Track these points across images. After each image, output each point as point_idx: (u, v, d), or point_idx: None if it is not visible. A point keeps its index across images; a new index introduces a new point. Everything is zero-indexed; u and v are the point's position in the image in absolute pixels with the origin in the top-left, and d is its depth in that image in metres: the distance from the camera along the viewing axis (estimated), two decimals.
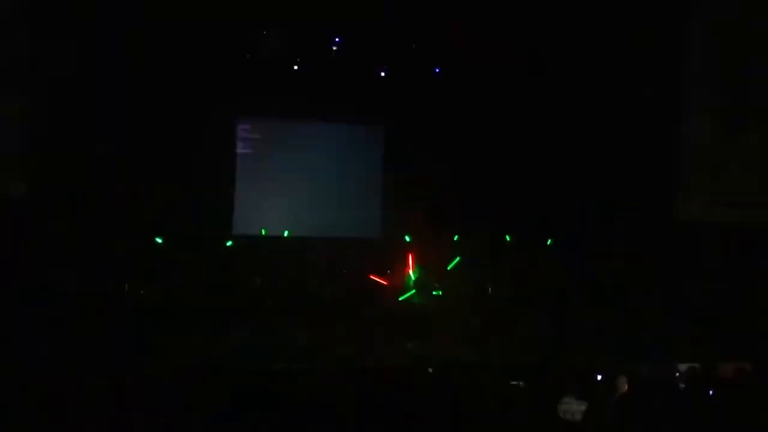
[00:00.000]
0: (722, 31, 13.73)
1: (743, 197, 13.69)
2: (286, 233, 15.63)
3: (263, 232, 15.55)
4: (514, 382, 7.59)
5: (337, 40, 14.93)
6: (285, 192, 15.94)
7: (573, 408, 6.69)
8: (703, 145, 13.75)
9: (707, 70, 13.83)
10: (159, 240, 14.12)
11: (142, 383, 7.92)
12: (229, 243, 15.30)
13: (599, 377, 8.80)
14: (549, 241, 14.57)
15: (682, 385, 8.27)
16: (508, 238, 15.16)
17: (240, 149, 15.76)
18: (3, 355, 9.60)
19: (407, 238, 15.06)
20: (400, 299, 13.90)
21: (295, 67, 15.14)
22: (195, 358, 10.92)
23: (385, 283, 13.80)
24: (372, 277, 13.80)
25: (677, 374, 9.00)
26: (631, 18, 13.99)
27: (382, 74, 15.48)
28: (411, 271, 13.84)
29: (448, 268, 15.18)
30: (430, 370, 10.45)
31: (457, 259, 15.21)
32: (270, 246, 15.57)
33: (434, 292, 13.46)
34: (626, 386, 7.71)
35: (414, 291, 13.62)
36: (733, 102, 13.39)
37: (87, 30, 13.13)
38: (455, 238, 15.14)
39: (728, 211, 13.59)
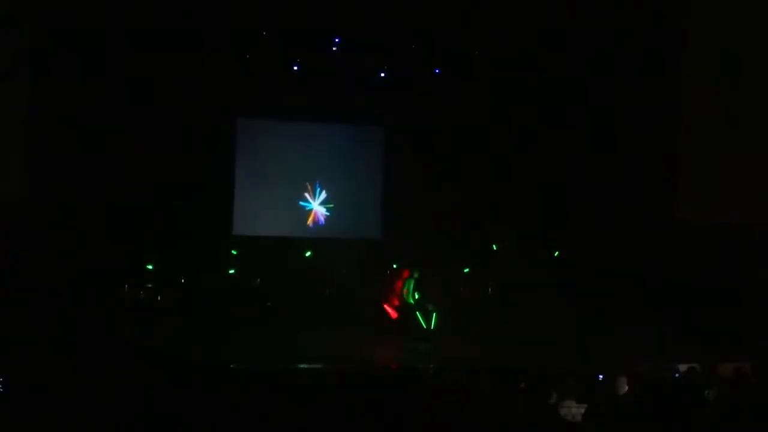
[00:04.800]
0: (722, 31, 13.73)
1: (743, 198, 13.69)
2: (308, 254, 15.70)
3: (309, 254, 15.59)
4: (515, 383, 7.59)
5: (337, 40, 14.92)
6: (285, 192, 15.95)
7: (573, 410, 6.69)
8: (704, 145, 13.75)
9: (706, 70, 13.83)
10: (160, 241, 14.14)
11: (142, 383, 7.92)
12: (232, 250, 15.34)
13: (599, 377, 8.81)
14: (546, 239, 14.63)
15: (682, 385, 8.27)
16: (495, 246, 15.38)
17: (240, 149, 15.75)
18: (3, 354, 9.60)
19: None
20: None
21: (295, 68, 15.15)
22: (195, 357, 10.91)
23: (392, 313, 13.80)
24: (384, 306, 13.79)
25: (677, 374, 9.00)
26: (630, 18, 14.00)
27: (382, 74, 15.48)
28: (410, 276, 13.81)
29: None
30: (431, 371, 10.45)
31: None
32: (270, 246, 15.58)
33: (431, 308, 13.46)
34: (626, 386, 7.71)
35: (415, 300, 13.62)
36: (733, 103, 13.38)
37: (88, 29, 13.15)
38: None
39: (728, 211, 13.58)
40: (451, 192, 15.40)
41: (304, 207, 15.96)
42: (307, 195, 15.99)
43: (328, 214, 16.04)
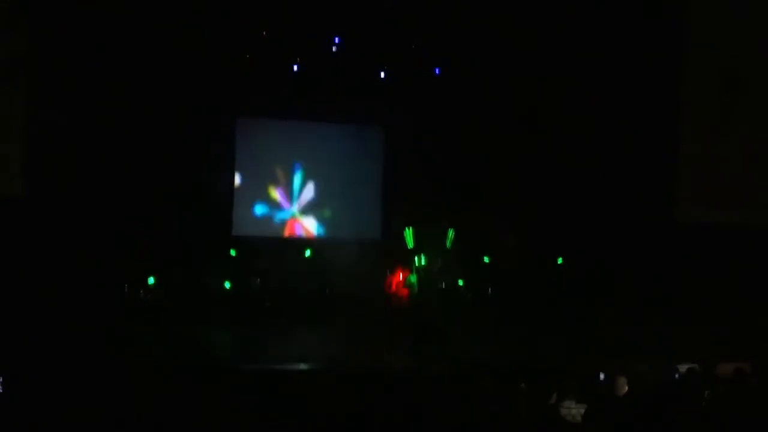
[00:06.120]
0: (722, 31, 13.74)
1: (743, 198, 13.70)
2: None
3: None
4: (515, 383, 7.59)
5: (337, 40, 14.92)
6: (287, 192, 15.96)
7: (573, 410, 6.69)
8: (703, 145, 13.76)
9: (707, 71, 13.84)
10: (160, 241, 14.13)
11: (141, 383, 7.93)
12: (231, 251, 15.34)
13: (599, 377, 8.81)
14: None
15: (682, 385, 8.27)
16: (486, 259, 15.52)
17: (240, 149, 15.75)
18: (2, 355, 9.61)
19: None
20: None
21: (295, 68, 15.15)
22: (194, 358, 10.92)
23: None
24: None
25: (677, 374, 9.00)
26: (630, 19, 14.00)
27: (382, 74, 15.48)
28: (411, 274, 13.83)
29: (448, 246, 15.20)
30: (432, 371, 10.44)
31: (451, 231, 15.22)
32: (270, 247, 15.58)
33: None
34: (626, 386, 7.72)
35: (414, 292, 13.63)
36: (733, 103, 13.39)
37: (88, 29, 13.14)
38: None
39: (728, 211, 13.59)
40: (451, 192, 15.39)
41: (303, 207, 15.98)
42: (283, 201, 15.99)
43: (313, 222, 16.03)
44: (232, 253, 15.25)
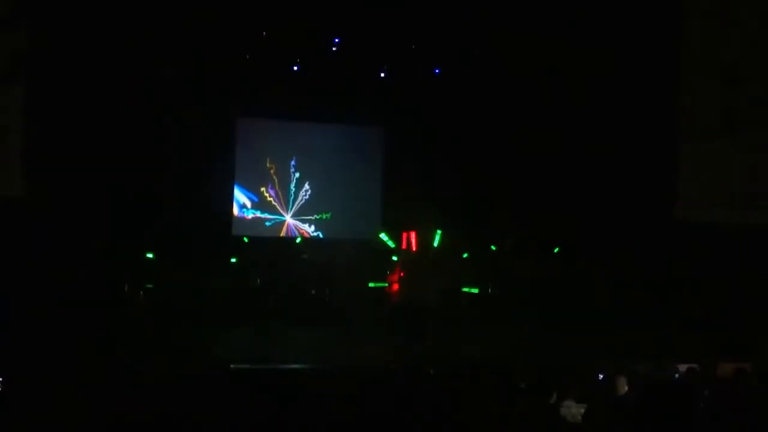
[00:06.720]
0: (721, 31, 13.73)
1: (742, 197, 13.68)
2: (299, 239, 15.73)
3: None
4: (515, 383, 7.59)
5: (336, 40, 14.92)
6: (284, 193, 15.97)
7: (573, 410, 6.69)
8: (703, 145, 13.73)
9: (706, 70, 13.82)
10: (160, 241, 14.15)
11: (142, 383, 7.92)
12: (245, 239, 15.39)
13: (599, 377, 8.81)
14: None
15: (682, 385, 8.25)
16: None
17: (240, 149, 15.77)
18: (2, 355, 9.60)
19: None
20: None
21: (295, 68, 15.16)
22: (195, 358, 10.92)
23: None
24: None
25: (677, 374, 8.99)
26: (630, 18, 13.99)
27: (382, 74, 15.49)
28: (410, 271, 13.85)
29: (435, 245, 15.28)
30: (431, 370, 10.45)
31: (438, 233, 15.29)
32: (269, 246, 15.60)
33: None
34: (626, 386, 7.71)
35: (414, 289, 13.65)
36: (732, 102, 13.38)
37: (88, 28, 13.14)
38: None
39: (728, 211, 13.57)
40: (451, 192, 15.40)
41: (276, 220, 15.99)
42: (283, 201, 15.99)
43: (306, 227, 16.03)
44: (232, 252, 15.26)
